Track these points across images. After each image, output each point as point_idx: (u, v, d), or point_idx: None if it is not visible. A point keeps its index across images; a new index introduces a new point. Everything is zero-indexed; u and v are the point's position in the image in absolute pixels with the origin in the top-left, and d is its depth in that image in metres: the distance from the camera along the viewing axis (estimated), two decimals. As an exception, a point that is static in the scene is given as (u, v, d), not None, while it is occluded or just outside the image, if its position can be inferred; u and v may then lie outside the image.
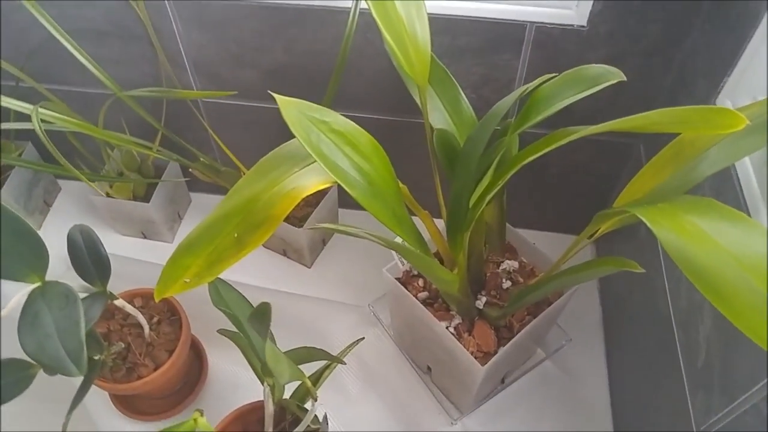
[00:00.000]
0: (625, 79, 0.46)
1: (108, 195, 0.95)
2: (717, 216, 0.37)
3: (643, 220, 0.37)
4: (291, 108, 0.46)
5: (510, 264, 0.77)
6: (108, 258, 0.65)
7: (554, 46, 0.76)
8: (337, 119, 0.49)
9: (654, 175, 0.57)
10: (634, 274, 0.84)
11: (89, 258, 0.63)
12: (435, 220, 0.65)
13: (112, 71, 0.84)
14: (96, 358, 0.67)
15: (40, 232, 1.06)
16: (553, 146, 0.46)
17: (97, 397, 0.85)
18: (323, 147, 0.48)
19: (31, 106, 0.71)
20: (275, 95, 0.45)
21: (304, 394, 0.69)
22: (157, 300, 0.57)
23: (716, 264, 0.34)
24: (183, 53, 0.85)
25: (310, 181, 0.50)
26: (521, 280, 0.76)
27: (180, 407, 0.84)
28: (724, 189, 0.59)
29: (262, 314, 0.44)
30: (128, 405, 0.85)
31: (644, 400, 0.73)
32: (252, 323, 0.47)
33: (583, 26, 0.73)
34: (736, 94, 0.63)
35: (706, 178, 0.53)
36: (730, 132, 0.37)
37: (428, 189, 0.80)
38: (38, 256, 0.55)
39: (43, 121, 0.71)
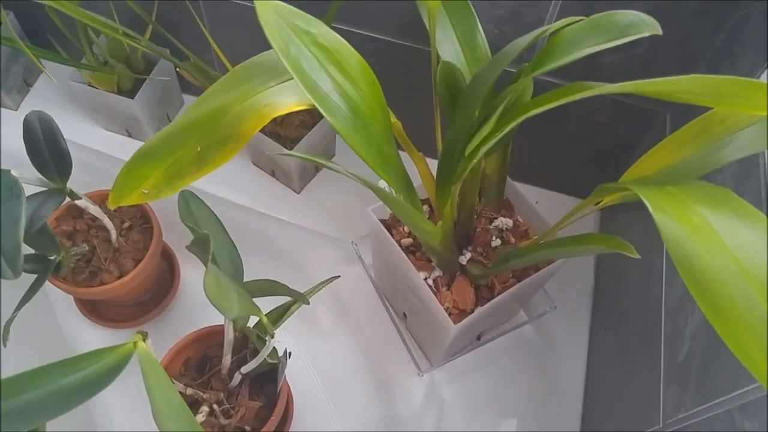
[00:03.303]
0: (660, 32, 0.39)
1: (90, 84, 0.88)
2: (731, 212, 0.31)
3: (645, 202, 0.32)
4: (269, 11, 0.39)
5: (503, 221, 0.72)
6: (69, 152, 0.60)
7: (594, -11, 0.67)
8: (324, 31, 0.42)
9: (673, 151, 0.50)
10: (633, 243, 0.79)
11: (47, 150, 0.58)
12: (434, 163, 0.60)
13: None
14: (51, 258, 0.63)
15: (17, 114, 1.02)
16: (564, 100, 0.39)
17: (63, 299, 0.83)
18: (303, 62, 0.42)
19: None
20: (252, -7, 0.39)
21: (266, 324, 0.66)
22: (111, 207, 0.52)
23: (717, 267, 0.29)
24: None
25: (286, 99, 0.44)
26: (512, 240, 0.71)
27: (145, 318, 0.82)
28: (746, 178, 0.53)
29: (202, 244, 0.39)
30: (92, 310, 0.83)
31: (618, 381, 0.70)
32: (195, 251, 0.43)
33: (631, -32, 0.64)
34: (787, 71, 0.56)
35: (729, 163, 0.47)
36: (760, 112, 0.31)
37: (431, 129, 0.74)
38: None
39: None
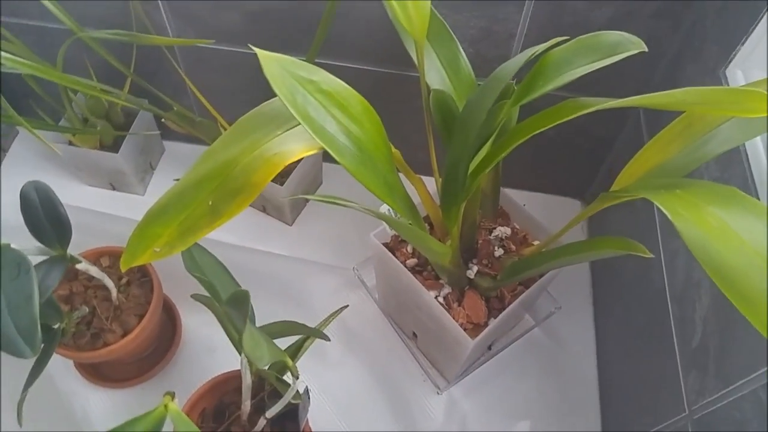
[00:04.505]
0: (646, 49, 0.41)
1: (71, 143, 0.87)
2: (741, 208, 0.33)
3: (664, 210, 0.34)
4: (274, 64, 0.40)
5: (502, 230, 0.74)
6: (68, 219, 0.59)
7: (559, 2, 0.70)
8: (326, 78, 0.44)
9: (660, 150, 0.53)
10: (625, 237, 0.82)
11: (46, 219, 0.58)
12: (425, 177, 0.61)
13: (73, 5, 0.75)
14: (55, 326, 0.62)
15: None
16: (563, 120, 0.41)
17: (60, 362, 0.80)
18: (310, 109, 0.43)
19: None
20: (256, 49, 0.40)
21: (283, 365, 0.66)
22: (123, 270, 0.52)
23: (742, 264, 0.31)
24: (155, -10, 0.77)
25: (295, 146, 0.45)
26: (513, 247, 0.73)
27: (151, 373, 0.80)
28: (731, 167, 0.56)
29: (239, 301, 0.40)
30: (94, 371, 0.81)
31: (632, 372, 0.72)
32: (230, 310, 0.43)
33: (592, -20, 0.67)
34: (747, 65, 0.59)
35: (715, 157, 0.49)
36: (760, 116, 0.33)
37: (419, 145, 0.75)
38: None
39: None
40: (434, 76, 0.60)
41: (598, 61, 0.42)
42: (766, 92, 0.31)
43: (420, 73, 0.54)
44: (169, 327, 0.86)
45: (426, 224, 0.73)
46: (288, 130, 0.46)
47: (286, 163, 0.45)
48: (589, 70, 0.42)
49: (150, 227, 0.48)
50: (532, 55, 0.47)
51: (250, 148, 0.46)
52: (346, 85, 0.45)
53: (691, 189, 0.35)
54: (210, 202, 0.47)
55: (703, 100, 0.35)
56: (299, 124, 0.46)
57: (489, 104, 0.46)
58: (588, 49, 0.43)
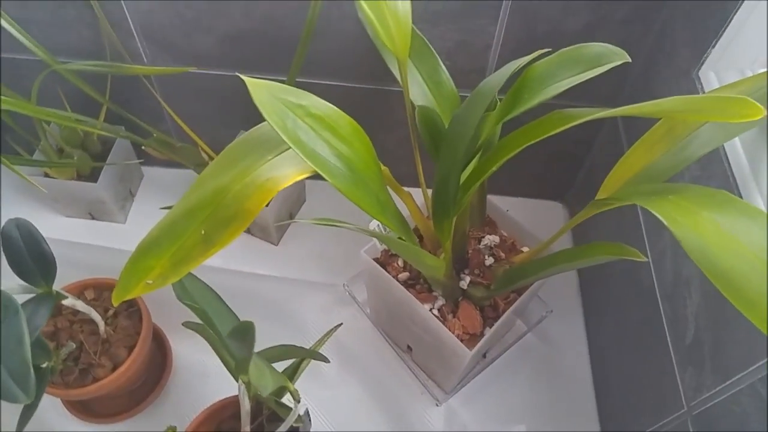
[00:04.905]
0: (629, 60, 0.42)
1: (47, 175, 0.85)
2: (735, 212, 0.34)
3: (661, 218, 0.34)
4: (263, 91, 0.40)
5: (491, 239, 0.75)
6: (52, 254, 0.58)
7: (533, 11, 0.71)
8: (315, 102, 0.43)
9: (644, 154, 0.54)
10: (609, 239, 0.83)
11: (30, 256, 0.56)
12: (411, 189, 0.61)
13: (45, 36, 0.74)
14: (43, 366, 0.60)
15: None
16: (553, 132, 0.42)
17: (47, 400, 0.78)
18: (300, 134, 0.42)
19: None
20: (244, 78, 0.39)
21: (281, 388, 0.65)
22: (115, 304, 0.51)
23: (742, 268, 0.32)
24: (128, 17, 0.75)
25: (287, 171, 0.45)
26: (503, 255, 0.74)
27: (143, 405, 0.79)
28: (710, 166, 0.57)
29: (244, 333, 0.39)
30: (83, 408, 0.78)
31: (628, 371, 0.72)
32: (234, 342, 0.42)
33: (564, -10, 0.68)
34: (720, 66, 0.61)
35: (699, 159, 0.51)
36: (747, 121, 0.34)
37: (400, 157, 0.76)
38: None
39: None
40: (416, 91, 0.60)
41: (583, 73, 0.43)
42: (749, 98, 0.32)
43: (404, 90, 0.54)
44: (159, 356, 0.84)
45: (421, 246, 0.73)
46: (278, 154, 0.46)
47: (280, 189, 0.44)
48: (575, 83, 0.43)
49: (142, 260, 0.47)
50: (517, 68, 0.47)
51: (242, 174, 0.45)
52: (335, 108, 0.45)
53: (683, 194, 0.36)
54: (203, 231, 0.47)
55: (689, 108, 0.36)
56: (288, 149, 0.46)
57: (476, 120, 0.47)
58: (571, 62, 0.44)
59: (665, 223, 0.34)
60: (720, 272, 0.31)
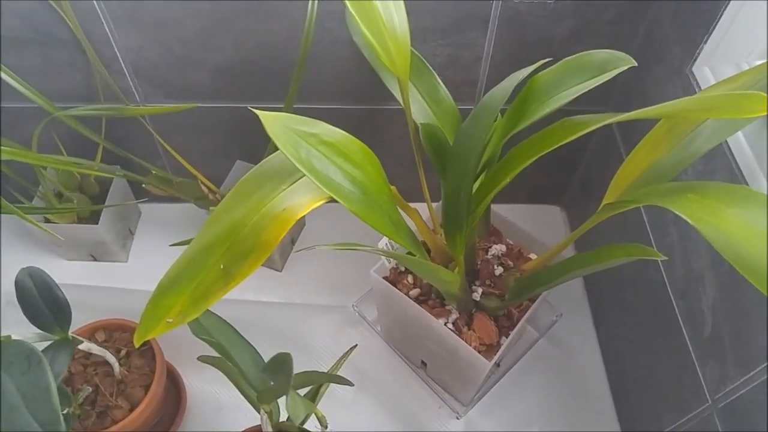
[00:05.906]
0: (635, 64, 0.43)
1: (48, 220, 0.85)
2: (758, 206, 0.35)
3: (685, 218, 0.35)
4: (276, 124, 0.41)
5: (498, 248, 0.75)
6: (67, 301, 0.58)
7: (521, 21, 0.73)
8: (326, 129, 0.44)
9: (649, 153, 0.55)
10: (613, 239, 0.84)
11: (45, 305, 0.56)
12: (413, 204, 0.62)
13: (38, 82, 0.74)
14: (64, 413, 0.59)
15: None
16: (565, 141, 0.42)
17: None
18: (314, 162, 0.43)
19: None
20: (257, 112, 0.40)
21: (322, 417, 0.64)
22: (137, 345, 0.51)
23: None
24: (119, 57, 0.76)
25: (303, 199, 0.45)
26: (511, 263, 0.74)
27: (163, 442, 0.78)
28: (714, 160, 0.58)
29: (281, 365, 0.39)
30: (100, 450, 0.78)
31: (644, 370, 0.73)
32: (270, 375, 0.42)
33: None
34: (714, 61, 0.62)
35: (704, 154, 0.52)
36: (759, 116, 0.35)
37: (398, 174, 0.76)
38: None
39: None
40: (417, 108, 0.61)
41: (591, 80, 0.43)
42: (759, 93, 0.33)
43: (406, 108, 0.55)
44: (173, 392, 0.83)
45: (433, 261, 0.73)
46: (292, 184, 0.46)
47: (297, 218, 0.45)
48: (583, 90, 0.43)
49: (162, 299, 0.47)
50: (521, 80, 0.48)
51: (257, 206, 0.46)
52: (345, 133, 0.45)
53: (703, 192, 0.37)
54: (221, 266, 0.47)
55: (701, 107, 0.37)
56: (302, 177, 0.46)
57: (484, 133, 0.47)
58: (578, 70, 0.44)
59: (692, 223, 0.34)
60: (755, 269, 0.32)
